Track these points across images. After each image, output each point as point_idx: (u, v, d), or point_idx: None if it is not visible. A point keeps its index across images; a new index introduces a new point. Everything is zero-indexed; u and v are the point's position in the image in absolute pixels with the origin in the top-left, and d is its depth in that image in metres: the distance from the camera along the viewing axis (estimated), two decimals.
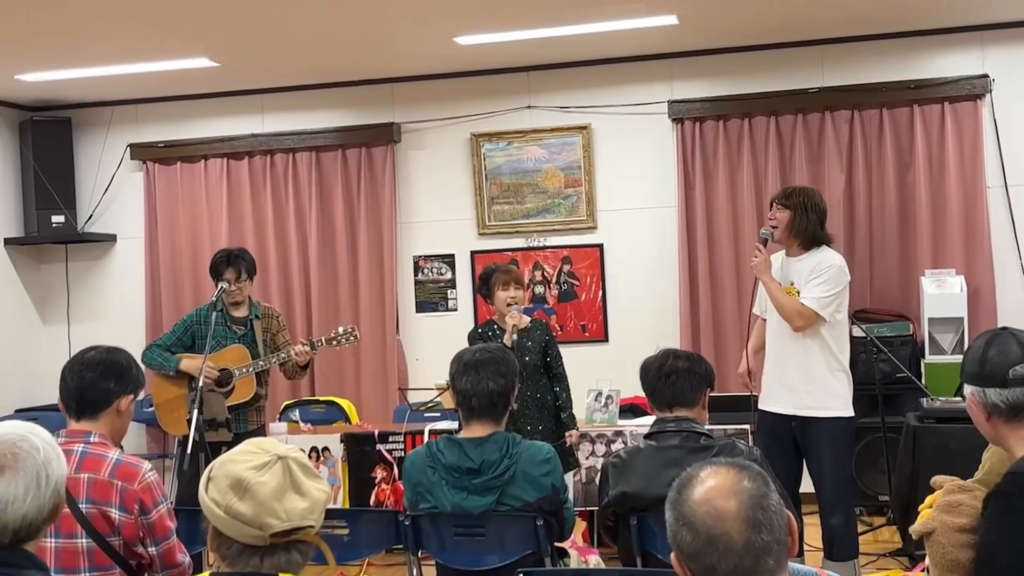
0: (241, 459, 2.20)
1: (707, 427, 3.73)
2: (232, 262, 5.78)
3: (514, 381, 3.71)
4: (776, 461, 5.04)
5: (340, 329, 5.90)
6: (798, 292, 5.05)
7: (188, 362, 5.75)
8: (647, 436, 3.70)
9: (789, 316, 4.98)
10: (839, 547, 5.09)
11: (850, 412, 5.08)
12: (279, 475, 2.16)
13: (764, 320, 5.35)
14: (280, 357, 5.73)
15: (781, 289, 5.04)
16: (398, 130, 7.71)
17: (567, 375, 5.63)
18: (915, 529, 2.65)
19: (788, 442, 5.10)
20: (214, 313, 5.59)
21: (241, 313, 5.85)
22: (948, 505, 2.60)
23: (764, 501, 1.79)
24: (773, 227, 5.11)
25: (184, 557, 3.20)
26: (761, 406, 5.23)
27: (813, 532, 5.85)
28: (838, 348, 5.09)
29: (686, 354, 3.81)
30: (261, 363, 5.72)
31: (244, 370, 5.69)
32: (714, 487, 1.80)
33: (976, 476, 3.29)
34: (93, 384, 3.23)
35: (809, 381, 5.03)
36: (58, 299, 8.31)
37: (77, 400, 3.23)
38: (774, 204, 5.16)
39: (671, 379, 3.66)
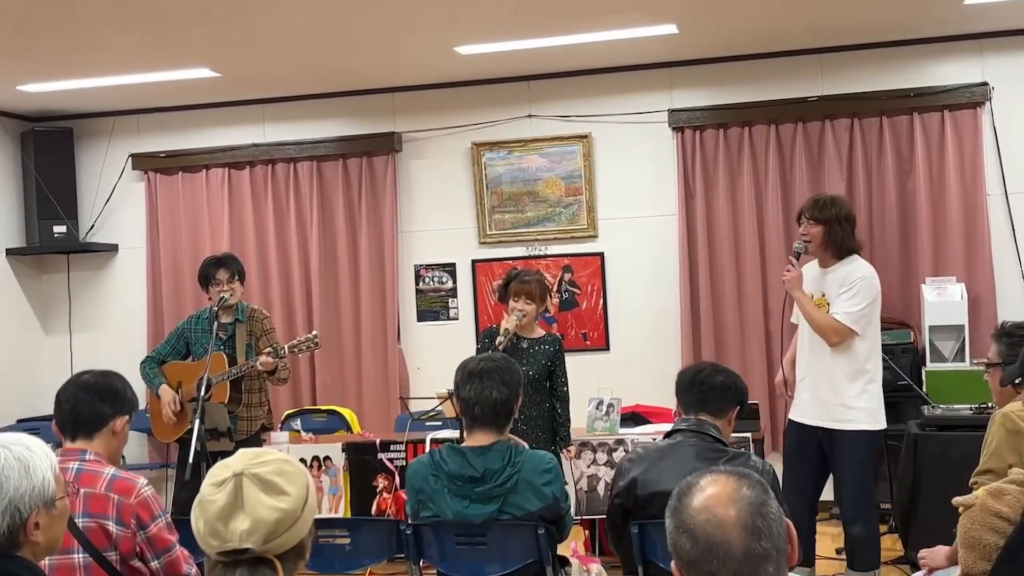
0: (212, 473, 2.20)
1: None
2: (223, 263, 5.87)
3: (518, 391, 3.72)
4: (798, 469, 5.14)
5: (303, 336, 5.97)
6: (828, 304, 5.03)
7: (165, 388, 5.86)
8: (666, 435, 3.76)
9: (824, 332, 4.97)
10: (860, 556, 5.11)
11: (878, 425, 5.06)
12: (229, 494, 2.11)
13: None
14: (249, 365, 5.76)
15: (814, 305, 5.03)
16: (399, 139, 7.73)
17: (569, 395, 5.51)
18: (959, 500, 2.69)
19: (813, 451, 5.10)
20: (215, 323, 5.64)
21: (227, 319, 5.91)
22: (996, 490, 2.67)
23: (763, 508, 1.80)
24: (807, 241, 5.07)
25: (190, 568, 3.18)
26: (791, 415, 5.23)
27: (826, 541, 5.88)
28: (868, 360, 5.04)
29: (724, 369, 3.87)
30: (233, 371, 5.76)
31: (220, 378, 5.73)
32: (713, 495, 1.81)
33: (984, 461, 3.33)
34: (88, 406, 3.25)
35: (837, 394, 5.01)
36: (60, 309, 8.32)
37: (72, 421, 3.25)
38: (803, 217, 5.09)
39: (704, 387, 3.72)
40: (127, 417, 3.33)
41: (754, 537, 1.77)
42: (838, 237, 5.04)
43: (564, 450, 5.51)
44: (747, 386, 3.88)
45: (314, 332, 6.02)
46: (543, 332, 5.58)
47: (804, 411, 5.13)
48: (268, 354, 5.69)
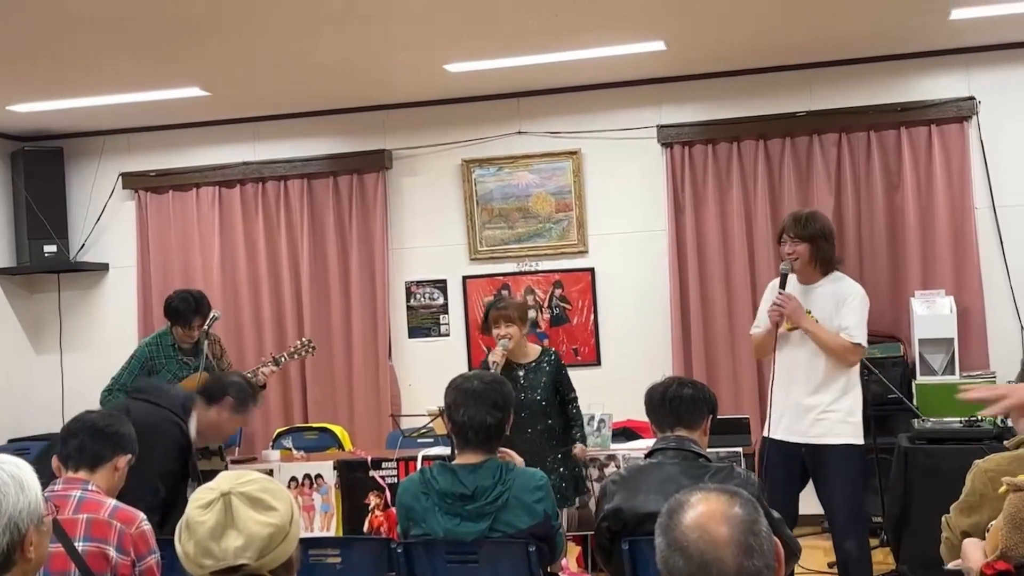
0: (196, 497, 2.22)
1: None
2: (200, 311, 5.90)
3: (510, 411, 3.73)
4: (784, 487, 5.01)
5: (298, 342, 6.08)
6: (816, 321, 5.00)
7: None
8: (647, 455, 3.75)
9: (843, 355, 4.94)
10: (856, 572, 5.08)
11: (861, 440, 5.07)
12: (218, 513, 2.15)
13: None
14: (250, 376, 5.80)
15: (824, 329, 4.96)
16: (389, 157, 7.74)
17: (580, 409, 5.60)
18: (1011, 480, 2.62)
19: (797, 469, 5.08)
20: (206, 342, 5.67)
21: (188, 344, 5.96)
22: None
23: (755, 526, 1.81)
24: (793, 259, 5.02)
25: None
26: (772, 435, 5.13)
27: (818, 555, 5.87)
28: (856, 374, 5.09)
29: (691, 381, 3.89)
30: None
31: None
32: (705, 512, 1.82)
33: (962, 498, 3.32)
34: (91, 443, 3.36)
35: (831, 408, 4.99)
36: (50, 328, 8.30)
37: (77, 455, 3.34)
38: (787, 236, 5.04)
39: (675, 403, 3.73)
40: (129, 456, 3.44)
41: (747, 555, 1.77)
42: (824, 252, 5.03)
43: (577, 445, 5.45)
44: (715, 394, 3.90)
45: (308, 338, 6.24)
46: (537, 351, 5.53)
47: (789, 429, 5.06)
48: (267, 364, 5.81)
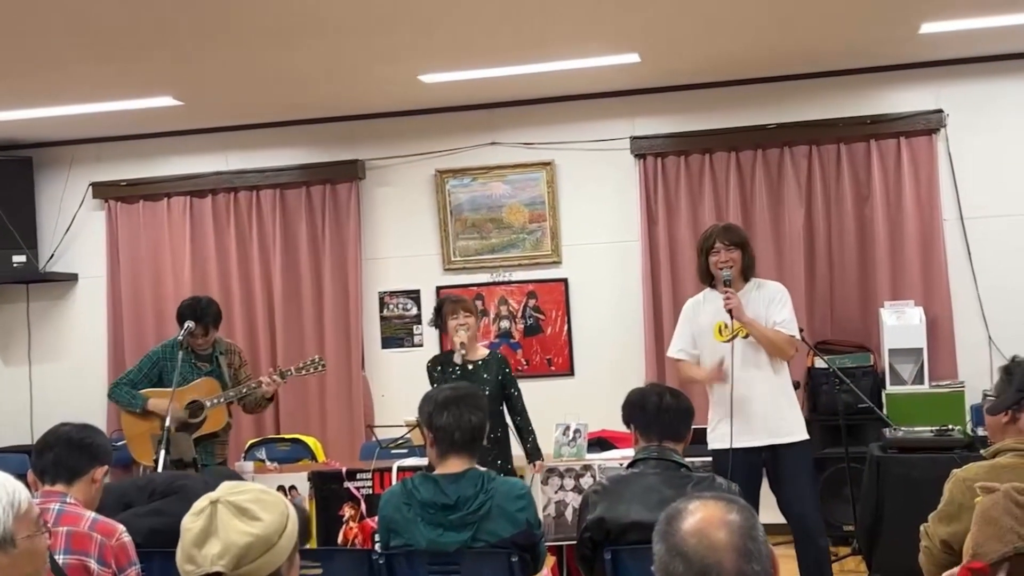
0: (194, 504, 2.22)
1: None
2: (200, 318, 5.83)
3: (487, 416, 3.75)
4: (749, 496, 5.06)
5: (308, 360, 6.07)
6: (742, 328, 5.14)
7: (155, 401, 5.85)
8: (629, 465, 3.78)
9: (783, 348, 5.12)
10: (827, 569, 5.14)
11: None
12: (204, 520, 2.16)
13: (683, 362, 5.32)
14: (250, 387, 5.83)
15: (763, 326, 5.09)
16: (362, 167, 7.74)
17: (526, 408, 5.69)
18: (984, 484, 2.69)
19: (757, 475, 5.15)
20: (180, 352, 5.66)
21: (205, 351, 5.94)
22: (1020, 489, 2.70)
23: (753, 532, 1.83)
24: (730, 267, 5.14)
25: None
26: (729, 445, 5.08)
27: (790, 564, 5.89)
28: (789, 372, 5.30)
29: (674, 391, 3.92)
30: (232, 393, 5.83)
31: (215, 400, 5.79)
32: (704, 518, 1.84)
33: (940, 507, 3.35)
34: (67, 456, 3.33)
35: (783, 407, 5.14)
36: (19, 339, 8.22)
37: (53, 468, 3.31)
38: (719, 245, 5.14)
39: (668, 415, 3.77)
40: (106, 468, 3.41)
41: (746, 559, 1.80)
42: (750, 258, 5.24)
43: (534, 464, 5.55)
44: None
45: (318, 356, 6.28)
46: (485, 351, 5.76)
47: (750, 435, 5.10)
48: (271, 376, 5.86)
